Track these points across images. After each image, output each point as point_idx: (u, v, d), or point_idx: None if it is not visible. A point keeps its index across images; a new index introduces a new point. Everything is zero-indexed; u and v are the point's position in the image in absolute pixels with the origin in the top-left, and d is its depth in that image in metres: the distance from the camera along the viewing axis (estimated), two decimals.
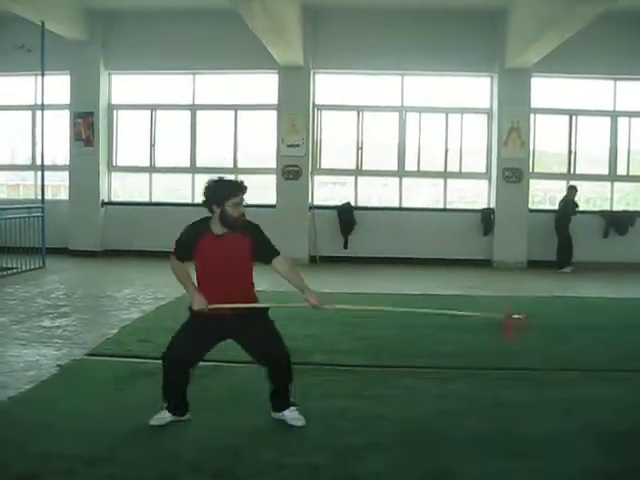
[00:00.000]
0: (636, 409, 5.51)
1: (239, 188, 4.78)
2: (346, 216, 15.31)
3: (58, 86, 15.61)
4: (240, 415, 5.12)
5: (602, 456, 4.50)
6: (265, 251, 4.90)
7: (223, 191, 4.74)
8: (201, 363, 6.41)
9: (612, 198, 16.12)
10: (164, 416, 4.87)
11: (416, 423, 5.05)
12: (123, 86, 16.26)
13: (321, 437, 4.70)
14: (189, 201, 15.90)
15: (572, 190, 15.16)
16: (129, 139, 16.41)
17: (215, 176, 4.91)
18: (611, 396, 5.85)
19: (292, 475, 4.12)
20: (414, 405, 5.49)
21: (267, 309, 4.97)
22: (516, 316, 4.78)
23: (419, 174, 15.92)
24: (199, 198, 14.86)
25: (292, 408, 4.97)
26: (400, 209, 15.75)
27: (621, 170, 16.04)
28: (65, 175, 16.13)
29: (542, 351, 7.39)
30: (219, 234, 4.78)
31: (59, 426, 4.83)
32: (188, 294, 4.81)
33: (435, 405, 5.49)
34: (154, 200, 16.21)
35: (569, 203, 15.07)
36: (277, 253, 4.93)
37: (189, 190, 16.08)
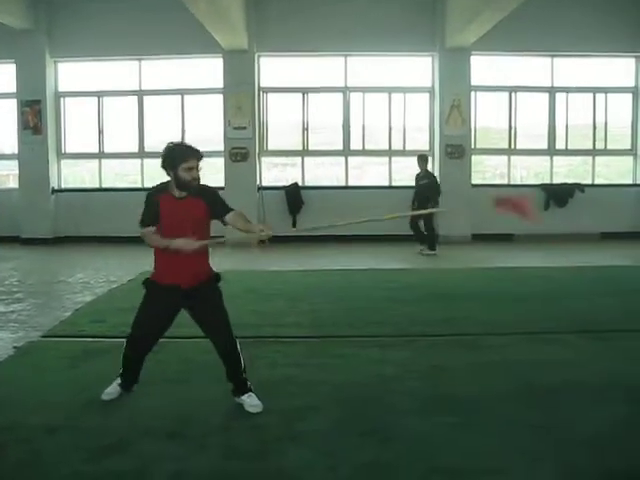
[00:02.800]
0: (565, 367, 5.90)
1: (192, 153, 4.84)
2: (293, 196, 15.60)
3: (4, 75, 15.69)
4: (191, 386, 5.41)
5: (531, 409, 4.90)
6: (219, 208, 4.99)
7: (176, 155, 4.82)
8: None
9: (552, 171, 16.64)
10: (114, 390, 5.11)
11: (355, 387, 5.38)
12: (69, 73, 16.28)
13: (266, 401, 4.98)
14: (139, 186, 16.06)
15: (421, 161, 14.02)
16: (77, 126, 16.41)
17: (175, 140, 5.01)
18: (546, 356, 6.27)
19: (238, 435, 4.44)
20: (354, 371, 5.82)
21: (219, 279, 5.10)
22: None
23: (364, 153, 16.26)
24: (148, 182, 14.86)
25: (250, 393, 5.07)
26: (346, 188, 16.09)
27: (560, 144, 16.58)
28: (14, 164, 16.13)
29: (480, 318, 7.78)
30: (178, 196, 4.88)
31: (18, 401, 5.08)
32: (171, 246, 4.80)
33: (374, 370, 5.82)
34: (104, 186, 16.32)
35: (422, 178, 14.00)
36: (231, 209, 4.99)
37: (138, 175, 16.23)
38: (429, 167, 14.25)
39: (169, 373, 5.74)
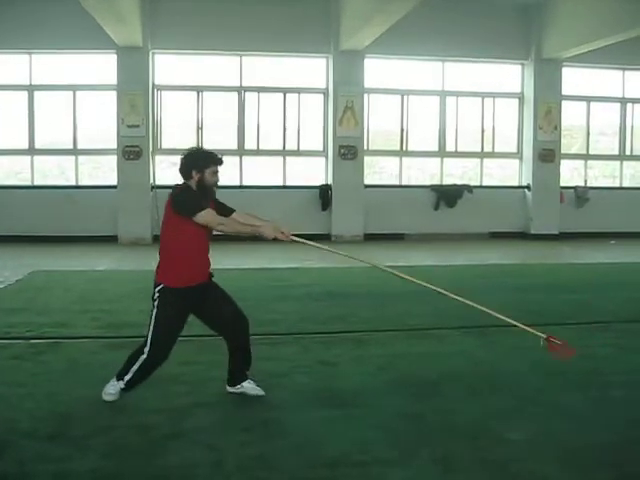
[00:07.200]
0: (445, 361, 6.19)
1: (218, 159, 4.99)
2: None
3: None
4: (77, 385, 5.36)
5: (411, 401, 5.10)
6: (225, 209, 5.14)
7: (204, 158, 4.95)
8: (39, 341, 6.67)
9: (442, 173, 17.11)
10: (115, 391, 4.98)
11: None
12: None
13: (153, 400, 5.02)
14: (29, 183, 15.67)
15: None
16: None
17: (189, 147, 5.14)
18: (426, 351, 6.56)
19: (122, 434, 4.42)
20: None
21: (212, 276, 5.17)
22: (555, 342, 5.04)
23: (259, 153, 16.30)
24: (39, 180, 14.41)
25: (249, 380, 5.22)
26: (241, 187, 16.07)
27: (450, 147, 17.06)
28: None
29: (366, 315, 8.02)
30: None
31: None
32: (258, 231, 4.97)
33: (262, 367, 5.82)
34: None
35: None
36: (233, 209, 5.20)
37: (28, 172, 15.81)
38: None
39: (53, 374, 5.67)
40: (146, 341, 4.89)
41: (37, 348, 6.48)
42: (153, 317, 4.88)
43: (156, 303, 4.90)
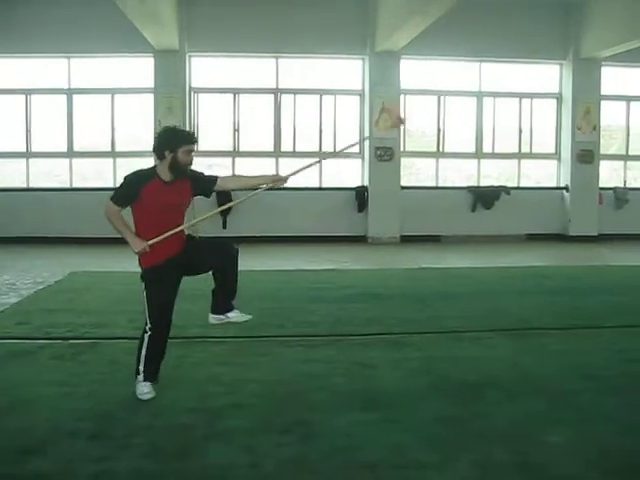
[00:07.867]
0: (483, 364, 6.12)
1: (192, 138, 5.04)
2: (224, 196, 15.54)
3: None
4: (116, 385, 5.40)
5: (449, 404, 5.05)
6: (205, 180, 5.24)
7: (178, 137, 4.98)
8: (79, 341, 6.75)
9: (479, 174, 16.99)
10: (150, 388, 5.09)
11: (281, 384, 5.47)
12: None
13: (191, 401, 5.05)
14: (68, 186, 15.86)
15: None
16: (3, 124, 16.04)
17: (166, 125, 5.24)
18: (464, 353, 6.50)
19: (162, 434, 4.46)
20: (279, 369, 5.91)
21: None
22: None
23: (295, 154, 16.26)
24: (78, 182, 14.60)
25: (235, 310, 5.38)
26: (277, 189, 16.03)
27: (487, 148, 16.94)
28: None
29: (404, 317, 7.96)
30: (168, 180, 4.99)
31: None
32: (126, 238, 4.96)
33: (300, 369, 5.92)
34: (32, 186, 16.01)
35: None
36: (216, 176, 5.27)
37: (67, 175, 15.99)
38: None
39: (93, 374, 5.72)
40: (145, 321, 5.05)
41: (77, 348, 6.56)
42: (144, 296, 5.04)
43: (143, 285, 5.05)
